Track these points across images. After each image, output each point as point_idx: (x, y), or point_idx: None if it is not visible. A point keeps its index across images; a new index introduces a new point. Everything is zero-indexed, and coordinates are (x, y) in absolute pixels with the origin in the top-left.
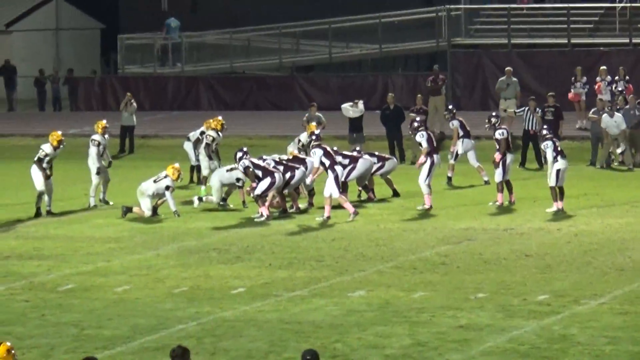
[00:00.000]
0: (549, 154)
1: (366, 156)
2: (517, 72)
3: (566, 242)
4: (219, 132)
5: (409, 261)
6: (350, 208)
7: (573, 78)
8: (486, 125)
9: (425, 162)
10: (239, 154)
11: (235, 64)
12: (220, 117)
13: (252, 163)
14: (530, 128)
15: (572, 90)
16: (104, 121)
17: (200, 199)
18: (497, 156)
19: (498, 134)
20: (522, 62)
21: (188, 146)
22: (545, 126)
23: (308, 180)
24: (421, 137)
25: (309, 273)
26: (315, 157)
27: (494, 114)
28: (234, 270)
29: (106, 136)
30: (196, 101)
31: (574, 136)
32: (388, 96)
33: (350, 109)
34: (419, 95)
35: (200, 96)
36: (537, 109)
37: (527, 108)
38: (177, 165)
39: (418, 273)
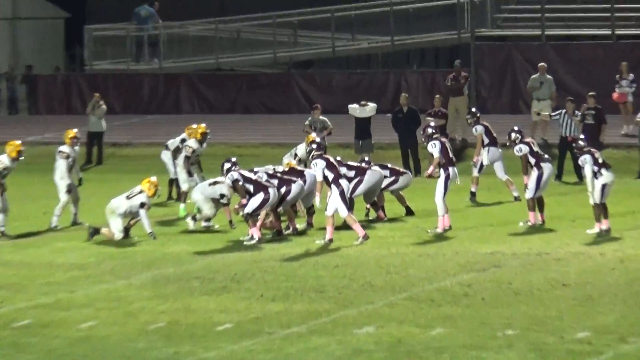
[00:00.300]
0: (588, 171)
1: (375, 167)
2: (552, 69)
3: (610, 269)
4: (201, 143)
5: (426, 292)
6: (359, 230)
7: (618, 75)
8: (506, 142)
9: (435, 173)
10: (227, 165)
11: (222, 60)
12: (203, 125)
13: (242, 176)
14: (567, 134)
15: (616, 89)
16: (75, 130)
17: (194, 218)
18: (525, 179)
19: (516, 151)
20: (558, 56)
21: (166, 156)
22: (581, 136)
23: (317, 200)
24: (433, 147)
25: (307, 306)
26: (317, 169)
27: (515, 128)
28: (219, 303)
29: (76, 148)
30: (176, 103)
31: (618, 144)
32: (401, 97)
33: (358, 109)
34: (437, 96)
35: (181, 97)
36: (576, 111)
37: (564, 111)
38: (154, 179)
39: (436, 306)
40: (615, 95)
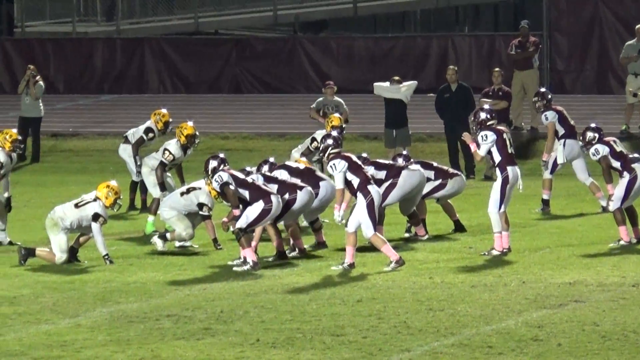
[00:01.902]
0: None
1: (415, 166)
2: None
3: None
4: (185, 149)
5: (481, 335)
6: (391, 254)
7: None
8: (580, 143)
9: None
10: (213, 163)
11: (204, 19)
12: (190, 124)
13: (235, 178)
14: None
15: None
16: (14, 131)
17: (164, 237)
18: (609, 188)
19: (591, 154)
20: None
21: (126, 152)
22: None
23: (337, 214)
24: (484, 140)
25: (320, 355)
26: (336, 173)
27: (593, 125)
28: (200, 350)
29: (14, 155)
30: (140, 79)
31: None
32: (448, 70)
33: (389, 87)
34: (497, 70)
35: (147, 70)
36: None
37: None
38: (113, 183)
39: (495, 354)
40: None
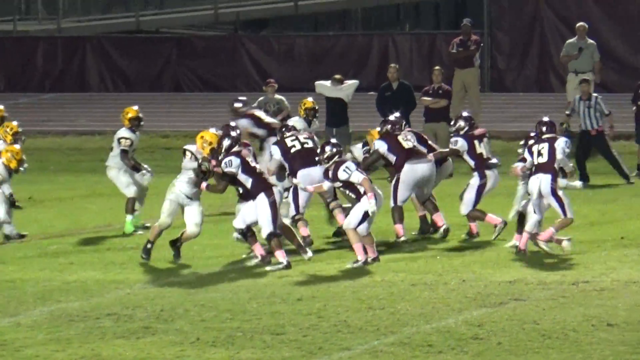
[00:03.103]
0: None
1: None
2: (595, 30)
3: None
4: (133, 131)
5: (421, 334)
6: (361, 253)
7: None
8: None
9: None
10: (227, 142)
11: (145, 18)
12: (135, 108)
13: (244, 163)
14: (590, 127)
15: None
16: (15, 123)
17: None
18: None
19: (451, 141)
20: (603, 13)
21: (112, 173)
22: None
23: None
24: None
25: (260, 353)
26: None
27: (464, 114)
28: (140, 349)
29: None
30: (81, 77)
31: None
32: (389, 68)
33: (329, 87)
34: (438, 68)
35: (88, 69)
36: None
37: (577, 97)
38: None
39: (435, 353)
40: None
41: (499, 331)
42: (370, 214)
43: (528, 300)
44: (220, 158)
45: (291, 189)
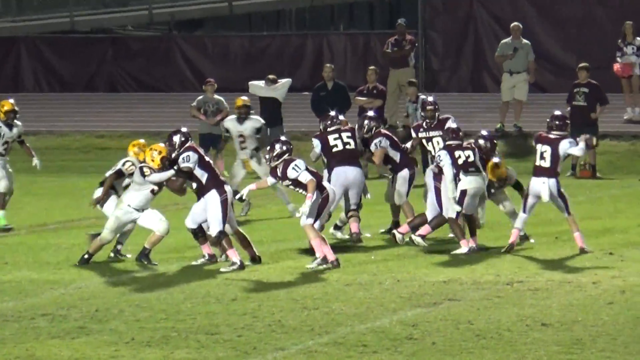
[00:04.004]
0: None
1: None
2: (530, 31)
3: (607, 304)
4: (9, 125)
5: (356, 334)
6: (319, 251)
7: (620, 40)
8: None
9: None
10: (180, 138)
11: (79, 18)
12: (10, 101)
13: (200, 158)
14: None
15: (618, 59)
16: (12, 101)
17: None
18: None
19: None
20: (538, 14)
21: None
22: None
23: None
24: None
25: (194, 353)
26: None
27: (370, 113)
28: (75, 349)
29: (14, 129)
30: (15, 77)
31: (620, 133)
32: (324, 68)
33: (263, 87)
34: (372, 68)
35: (22, 69)
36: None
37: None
38: None
39: (369, 353)
40: (616, 67)
41: (434, 331)
42: (299, 213)
43: (462, 300)
44: (174, 155)
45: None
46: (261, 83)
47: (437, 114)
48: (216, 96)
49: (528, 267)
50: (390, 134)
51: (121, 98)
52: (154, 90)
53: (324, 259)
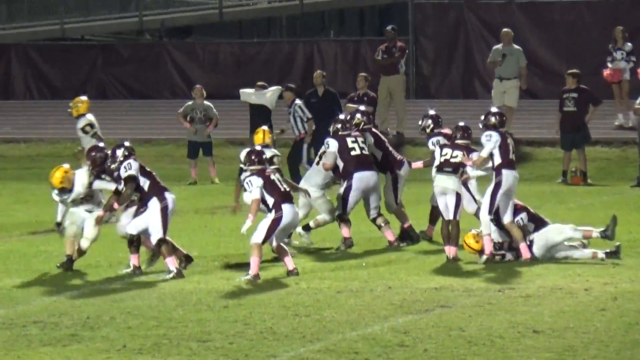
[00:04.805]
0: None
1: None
2: (520, 37)
3: (599, 310)
4: None
5: (347, 341)
6: (255, 268)
7: (610, 45)
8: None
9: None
10: (122, 152)
11: (69, 25)
12: None
13: (141, 166)
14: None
15: (608, 64)
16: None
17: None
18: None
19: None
20: (528, 19)
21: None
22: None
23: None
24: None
25: None
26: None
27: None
28: (66, 357)
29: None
30: (5, 84)
31: (611, 139)
32: (315, 75)
33: (254, 93)
34: (363, 75)
35: (13, 76)
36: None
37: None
38: None
39: None
40: (606, 73)
41: (425, 338)
42: (243, 232)
43: (454, 307)
44: (115, 166)
45: (342, 188)
46: (251, 90)
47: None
48: (205, 102)
49: (519, 274)
50: (378, 133)
51: (112, 105)
52: (144, 97)
53: (256, 276)
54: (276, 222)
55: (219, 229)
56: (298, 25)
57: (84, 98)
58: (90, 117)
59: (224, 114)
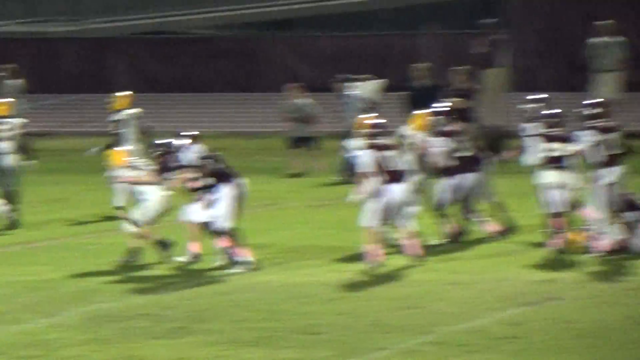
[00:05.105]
0: None
1: None
2: (622, 28)
3: None
4: None
5: (456, 333)
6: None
7: None
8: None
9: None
10: (189, 141)
11: (169, 19)
12: None
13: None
14: None
15: None
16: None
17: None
18: None
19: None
20: (632, 10)
21: None
22: None
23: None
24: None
25: (297, 353)
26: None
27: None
28: (175, 349)
29: None
30: (105, 79)
31: None
32: (415, 68)
33: (356, 87)
34: (462, 68)
35: (112, 71)
36: None
37: None
38: None
39: (470, 352)
40: None
41: (536, 330)
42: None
43: (565, 300)
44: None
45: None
46: (355, 83)
47: None
48: (304, 100)
49: (632, 266)
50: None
51: (213, 100)
52: (244, 90)
53: (373, 261)
54: (379, 201)
55: (324, 221)
56: (397, 18)
57: (123, 93)
58: (128, 112)
59: (326, 106)
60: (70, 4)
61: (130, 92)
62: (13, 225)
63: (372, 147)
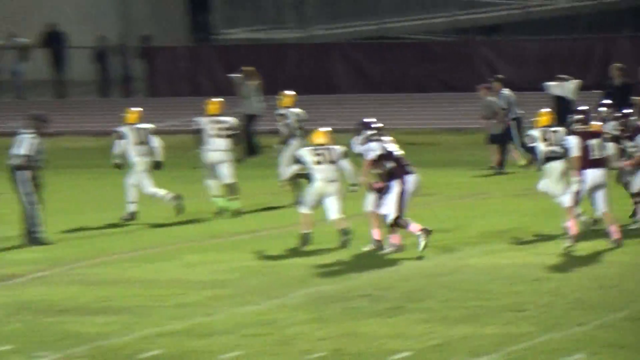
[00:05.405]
0: None
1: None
2: None
3: None
4: None
5: None
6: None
7: None
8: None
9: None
10: (369, 135)
11: (386, 25)
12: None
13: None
14: None
15: None
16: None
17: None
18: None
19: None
20: None
21: None
22: None
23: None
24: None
25: (501, 329)
26: None
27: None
28: (392, 327)
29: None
30: (328, 80)
31: None
32: (613, 67)
33: (556, 86)
34: (616, 65)
35: (335, 73)
36: None
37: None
38: None
39: None
40: None
41: None
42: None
43: None
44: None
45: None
46: (554, 83)
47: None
48: (506, 91)
49: None
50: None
51: (428, 98)
52: (456, 90)
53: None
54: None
55: (528, 210)
56: (597, 22)
57: (288, 93)
58: (292, 110)
59: (530, 104)
60: (296, 13)
61: (294, 93)
62: (179, 211)
63: (578, 134)
